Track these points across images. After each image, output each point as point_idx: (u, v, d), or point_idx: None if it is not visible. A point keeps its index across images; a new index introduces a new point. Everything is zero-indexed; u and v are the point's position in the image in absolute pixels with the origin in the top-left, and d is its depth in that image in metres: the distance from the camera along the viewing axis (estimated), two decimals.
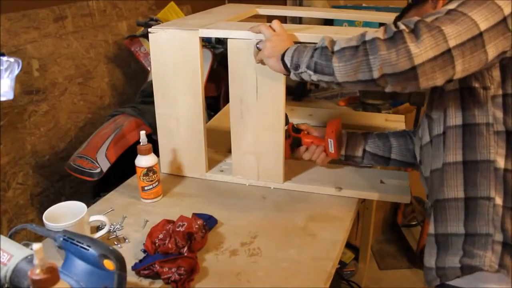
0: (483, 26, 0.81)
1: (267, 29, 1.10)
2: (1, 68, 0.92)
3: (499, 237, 0.88)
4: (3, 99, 0.93)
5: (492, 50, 0.82)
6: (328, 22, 3.03)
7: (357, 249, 2.18)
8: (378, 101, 2.03)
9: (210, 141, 1.39)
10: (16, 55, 1.55)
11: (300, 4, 3.52)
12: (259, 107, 1.24)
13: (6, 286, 0.74)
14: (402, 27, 0.83)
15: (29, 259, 0.75)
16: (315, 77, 0.97)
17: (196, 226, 1.04)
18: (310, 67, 0.97)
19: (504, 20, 0.82)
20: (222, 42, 1.97)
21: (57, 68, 1.84)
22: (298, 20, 3.17)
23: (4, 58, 0.93)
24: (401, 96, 2.01)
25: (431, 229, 0.98)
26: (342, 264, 2.21)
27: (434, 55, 0.80)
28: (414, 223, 2.66)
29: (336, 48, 0.92)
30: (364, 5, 3.37)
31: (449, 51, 0.80)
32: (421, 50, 0.80)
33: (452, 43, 0.80)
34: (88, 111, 2.05)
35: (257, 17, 1.65)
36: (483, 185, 0.90)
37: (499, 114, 0.89)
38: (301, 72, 1.00)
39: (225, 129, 1.39)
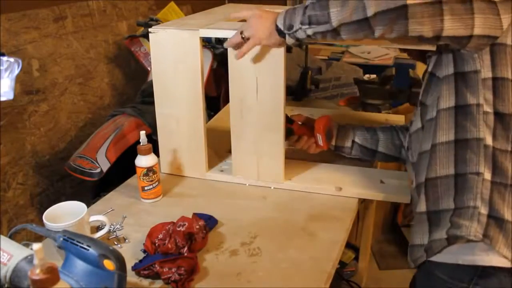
0: None
1: (247, 10, 1.12)
2: (1, 68, 0.92)
3: (485, 209, 0.93)
4: (3, 99, 0.93)
5: (478, 22, 0.86)
6: None
7: (357, 249, 2.18)
8: (378, 101, 2.03)
9: (210, 141, 1.39)
10: (16, 55, 1.55)
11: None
12: (259, 107, 1.24)
13: (6, 286, 0.74)
14: None
15: (29, 259, 0.75)
16: (310, 31, 1.00)
17: (197, 226, 1.04)
18: (304, 23, 1.00)
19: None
20: (222, 42, 1.97)
21: (57, 68, 1.85)
22: None
23: (4, 58, 0.93)
24: (401, 97, 2.01)
25: (421, 207, 1.02)
26: (342, 264, 2.20)
27: (426, 1, 0.85)
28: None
29: None
30: None
31: (440, 2, 0.85)
32: None
33: None
34: (88, 111, 2.05)
35: None
36: (472, 161, 0.94)
37: (489, 96, 0.94)
38: (296, 31, 1.02)
39: (225, 129, 1.39)
